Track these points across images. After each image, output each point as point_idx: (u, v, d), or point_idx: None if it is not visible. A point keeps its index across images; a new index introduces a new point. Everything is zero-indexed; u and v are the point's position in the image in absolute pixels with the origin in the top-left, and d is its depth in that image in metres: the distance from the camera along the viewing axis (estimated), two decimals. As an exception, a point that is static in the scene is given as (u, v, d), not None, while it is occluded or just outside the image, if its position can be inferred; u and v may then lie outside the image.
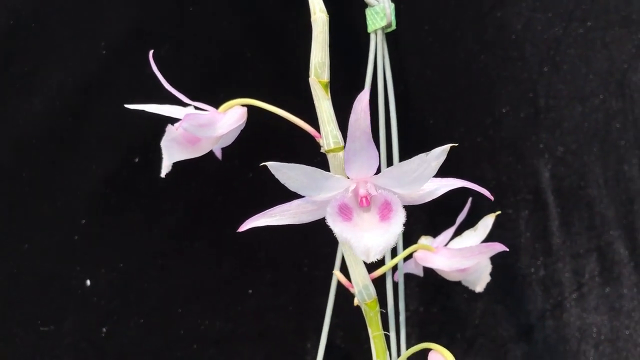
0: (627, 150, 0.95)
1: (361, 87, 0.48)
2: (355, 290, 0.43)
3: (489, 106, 0.85)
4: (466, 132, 0.84)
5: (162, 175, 0.42)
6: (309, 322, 0.72)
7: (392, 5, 0.46)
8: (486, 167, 0.86)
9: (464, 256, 0.46)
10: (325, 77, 0.40)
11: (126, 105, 0.40)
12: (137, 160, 0.67)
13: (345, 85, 0.43)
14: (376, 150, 0.32)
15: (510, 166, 0.87)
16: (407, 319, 0.82)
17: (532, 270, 0.88)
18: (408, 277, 0.79)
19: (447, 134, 0.83)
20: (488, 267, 0.49)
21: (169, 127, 0.40)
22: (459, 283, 0.73)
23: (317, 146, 0.41)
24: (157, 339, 0.68)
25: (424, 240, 0.51)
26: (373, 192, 0.33)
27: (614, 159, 0.94)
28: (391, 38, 0.76)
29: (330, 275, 0.74)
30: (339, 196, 0.33)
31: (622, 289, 0.94)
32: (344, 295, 0.75)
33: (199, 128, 0.39)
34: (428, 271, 0.81)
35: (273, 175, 0.75)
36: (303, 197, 0.35)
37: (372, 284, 0.43)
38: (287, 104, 0.42)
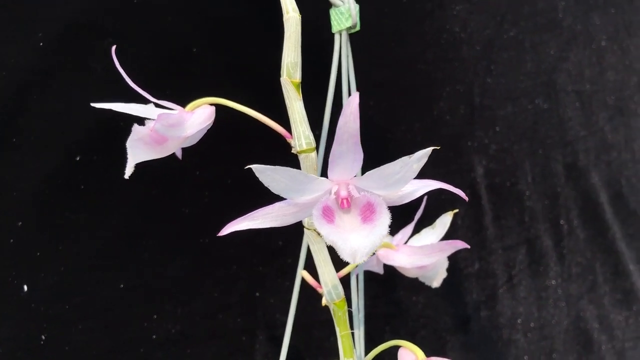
0: (552, 148, 1.00)
1: (325, 88, 0.49)
2: (324, 290, 0.43)
3: (429, 105, 0.87)
4: (407, 130, 0.86)
5: (126, 176, 0.40)
6: (259, 322, 0.72)
7: (357, 6, 0.46)
8: (426, 164, 0.88)
9: (425, 253, 0.47)
10: (298, 77, 0.40)
11: (93, 105, 0.38)
12: (78, 158, 0.64)
13: (308, 86, 0.43)
14: (362, 154, 0.32)
15: (448, 163, 0.90)
16: (350, 313, 0.83)
17: (468, 262, 0.91)
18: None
19: (389, 132, 0.84)
20: (445, 263, 0.51)
21: (135, 127, 0.39)
22: (402, 277, 0.75)
23: (288, 147, 0.41)
24: (101, 344, 0.65)
25: (388, 239, 0.51)
26: (356, 194, 0.33)
27: (541, 156, 0.99)
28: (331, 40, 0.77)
29: (281, 273, 0.74)
30: (323, 198, 0.33)
31: (548, 279, 0.99)
32: (288, 291, 0.75)
33: (168, 128, 0.38)
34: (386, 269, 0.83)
35: (219, 174, 0.74)
36: (280, 200, 0.34)
37: (340, 283, 0.43)
38: (259, 106, 0.41)
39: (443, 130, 0.89)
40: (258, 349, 0.71)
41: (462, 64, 0.89)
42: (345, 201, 0.34)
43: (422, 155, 0.33)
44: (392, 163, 0.33)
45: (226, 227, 0.34)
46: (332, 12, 0.47)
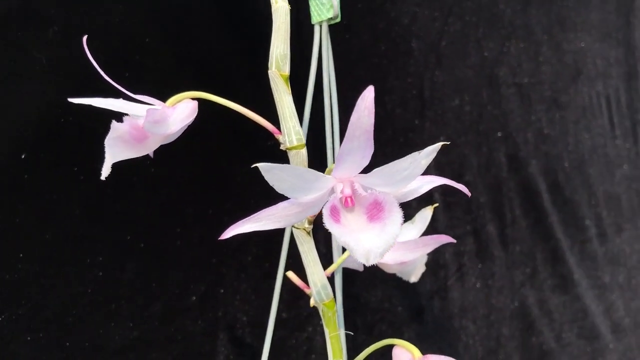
0: (495, 140, 1.03)
1: (305, 80, 0.47)
2: (312, 290, 0.42)
3: (381, 99, 0.87)
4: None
5: (102, 177, 0.37)
6: (220, 323, 0.69)
7: (338, -3, 0.45)
8: (378, 157, 0.88)
9: (409, 249, 0.46)
10: (287, 70, 0.38)
11: (70, 100, 0.35)
12: (23, 156, 0.60)
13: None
14: (372, 149, 0.31)
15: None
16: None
17: (421, 254, 0.92)
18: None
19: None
20: (424, 258, 0.50)
21: (114, 124, 0.36)
22: (358, 272, 0.74)
23: (277, 143, 0.39)
24: (54, 354, 0.61)
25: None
26: (362, 192, 0.32)
27: (485, 148, 1.01)
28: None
29: (240, 272, 0.72)
30: (331, 197, 0.32)
31: (494, 267, 1.02)
32: (249, 290, 0.73)
33: (153, 124, 0.35)
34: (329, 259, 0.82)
35: (174, 171, 0.71)
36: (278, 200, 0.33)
37: (329, 283, 0.42)
38: (244, 100, 0.39)
39: (395, 123, 0.89)
40: (220, 350, 0.69)
41: (413, 57, 0.90)
42: (349, 199, 0.32)
43: (431, 151, 0.32)
44: (401, 159, 0.32)
45: (228, 229, 0.32)
46: (312, 3, 0.45)
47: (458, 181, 1.04)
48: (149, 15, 0.63)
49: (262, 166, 0.29)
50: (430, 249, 0.47)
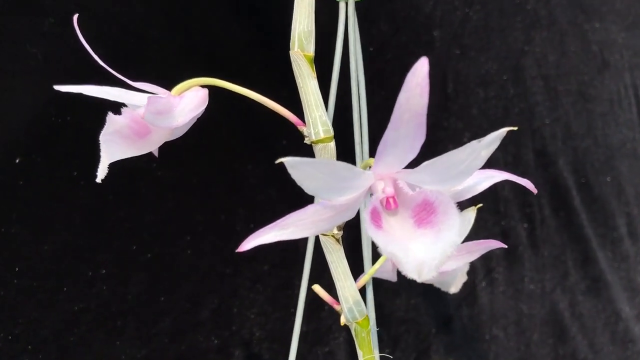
0: (522, 134, 0.97)
1: (330, 61, 0.41)
2: (344, 307, 0.36)
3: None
4: (382, 120, 0.80)
5: (98, 180, 0.32)
6: (233, 340, 0.64)
7: (363, -30, 0.39)
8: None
9: (453, 256, 0.40)
10: (311, 49, 0.32)
11: (56, 87, 0.29)
12: (17, 161, 0.54)
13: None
14: (424, 137, 0.25)
15: (422, 153, 0.84)
16: (335, 319, 0.76)
17: (447, 259, 0.87)
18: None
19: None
20: (466, 267, 0.45)
21: (111, 117, 0.30)
22: (381, 280, 0.68)
23: (300, 136, 0.34)
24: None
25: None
26: (408, 191, 0.26)
27: (512, 143, 0.96)
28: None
29: (255, 283, 0.66)
30: (372, 199, 0.26)
31: (523, 270, 0.96)
32: (266, 302, 0.67)
33: (156, 116, 0.30)
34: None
35: (183, 174, 0.65)
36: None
37: (362, 300, 0.36)
38: (265, 87, 0.34)
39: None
40: (235, 369, 0.64)
41: (435, 48, 0.84)
42: (391, 200, 0.27)
43: (494, 139, 0.26)
44: (457, 150, 0.26)
45: (248, 239, 0.26)
46: (335, -21, 0.39)
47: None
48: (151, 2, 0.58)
49: (288, 161, 0.24)
50: (476, 256, 0.41)
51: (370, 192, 0.27)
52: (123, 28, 0.57)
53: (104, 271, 0.58)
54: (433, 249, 0.25)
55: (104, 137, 0.30)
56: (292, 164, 0.24)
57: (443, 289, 0.46)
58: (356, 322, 0.36)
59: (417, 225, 0.26)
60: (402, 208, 0.27)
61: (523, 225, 0.96)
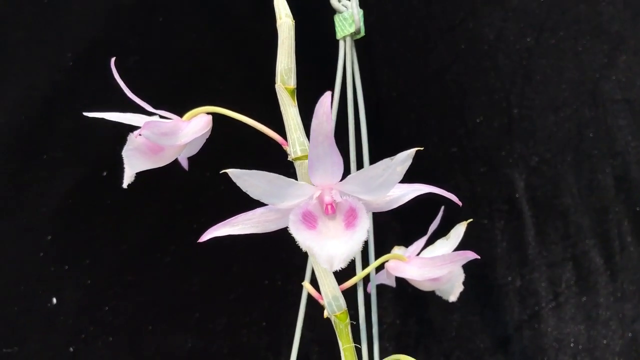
0: (600, 159, 0.95)
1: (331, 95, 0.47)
2: (324, 302, 0.42)
3: (462, 116, 0.85)
4: (440, 142, 0.84)
5: (124, 185, 0.40)
6: (282, 338, 0.70)
7: (361, 12, 0.45)
8: (460, 177, 0.85)
9: (436, 265, 0.45)
10: (292, 83, 0.39)
11: (85, 114, 0.39)
12: (105, 174, 0.66)
13: (316, 92, 0.42)
14: (340, 156, 0.31)
15: (484, 176, 0.86)
16: (383, 332, 0.81)
17: (509, 280, 0.87)
18: (384, 289, 0.79)
19: (420, 143, 0.82)
20: (461, 276, 0.48)
21: (131, 136, 0.39)
22: (434, 295, 0.72)
23: (285, 154, 0.40)
24: (126, 358, 0.66)
25: (397, 250, 0.50)
26: (338, 198, 0.32)
27: (587, 167, 0.94)
28: (363, 49, 0.76)
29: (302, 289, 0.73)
30: (303, 204, 0.32)
31: (598, 297, 0.94)
32: (319, 308, 0.73)
33: (161, 136, 0.38)
34: (404, 283, 0.80)
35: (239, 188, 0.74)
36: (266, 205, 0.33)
37: (342, 295, 0.42)
38: (257, 113, 0.41)
39: (478, 141, 0.86)
40: (284, 366, 0.70)
41: (498, 73, 0.87)
42: (330, 207, 0.33)
43: (405, 157, 0.31)
44: (374, 165, 0.31)
45: (206, 233, 0.33)
46: (336, 18, 0.46)
47: (552, 203, 0.98)
48: (215, 42, 0.67)
49: (232, 172, 0.30)
50: (457, 265, 0.45)
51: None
52: (190, 60, 0.67)
53: (170, 270, 0.67)
54: (344, 246, 0.30)
55: (126, 153, 0.39)
56: (236, 174, 0.31)
57: (444, 297, 0.50)
58: (335, 315, 0.42)
59: (345, 227, 0.32)
60: (338, 213, 0.33)
61: (599, 252, 0.94)
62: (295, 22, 0.40)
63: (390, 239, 0.72)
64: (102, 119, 0.66)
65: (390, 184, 0.32)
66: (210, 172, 0.66)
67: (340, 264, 0.30)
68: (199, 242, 0.70)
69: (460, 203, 0.34)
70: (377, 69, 0.79)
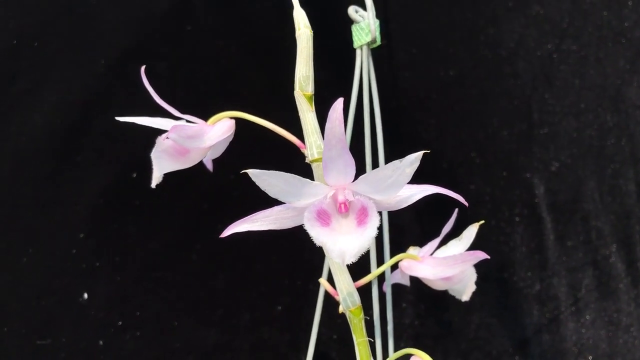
0: (622, 165, 0.95)
1: (347, 101, 0.50)
2: (339, 297, 0.44)
3: (482, 121, 0.86)
4: (460, 147, 0.85)
5: (153, 186, 0.43)
6: (303, 335, 0.72)
7: (377, 22, 0.47)
8: (480, 181, 0.86)
9: (448, 265, 0.47)
10: (310, 89, 0.41)
11: (117, 118, 0.42)
12: (135, 175, 0.69)
13: (334, 98, 0.44)
14: (352, 158, 0.33)
15: (504, 181, 0.88)
16: (402, 332, 0.82)
17: (528, 284, 0.88)
18: (403, 290, 0.80)
19: (440, 149, 0.84)
20: (473, 276, 0.50)
21: (159, 139, 0.42)
22: (453, 296, 0.73)
23: (303, 157, 0.43)
24: (153, 351, 0.69)
25: (412, 250, 0.52)
26: (350, 197, 0.34)
27: (609, 173, 0.95)
28: (385, 55, 0.78)
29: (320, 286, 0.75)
30: (317, 202, 0.34)
31: (619, 303, 0.94)
32: (332, 306, 0.76)
33: (187, 139, 0.41)
34: (421, 284, 0.82)
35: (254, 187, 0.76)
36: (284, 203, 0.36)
37: (356, 291, 0.44)
38: (278, 118, 0.43)
39: (498, 146, 0.87)
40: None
41: (519, 79, 0.88)
42: (343, 206, 0.35)
43: (413, 160, 0.33)
44: (383, 167, 0.33)
45: (227, 228, 0.36)
46: (353, 28, 0.48)
47: (572, 208, 0.98)
48: (241, 50, 0.70)
49: (252, 172, 0.33)
50: (468, 265, 0.47)
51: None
52: (217, 67, 0.70)
53: (196, 267, 0.70)
54: (355, 241, 0.33)
55: (155, 155, 0.42)
56: (254, 174, 0.33)
57: (457, 296, 0.52)
58: (349, 311, 0.44)
59: (357, 224, 0.34)
60: (351, 212, 0.35)
61: (621, 258, 0.94)
62: (315, 33, 0.42)
63: (409, 241, 0.74)
64: (133, 124, 0.70)
65: (399, 184, 0.34)
66: (234, 174, 0.68)
67: (351, 258, 0.32)
68: (223, 240, 0.73)
69: (466, 204, 0.36)
70: (398, 75, 0.81)
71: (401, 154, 0.61)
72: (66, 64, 0.67)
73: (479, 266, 0.83)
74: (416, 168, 0.33)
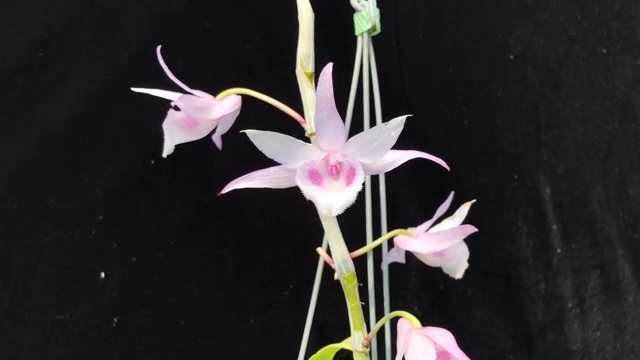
0: (630, 170, 0.97)
1: (349, 86, 0.53)
2: (335, 264, 0.47)
3: (490, 123, 0.88)
4: (467, 146, 0.87)
5: (164, 155, 0.47)
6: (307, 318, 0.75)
7: (377, 10, 0.51)
8: (487, 181, 0.89)
9: (440, 239, 0.49)
10: (310, 68, 0.45)
11: (132, 89, 0.45)
12: (152, 162, 0.73)
13: (335, 79, 0.48)
14: (341, 121, 0.36)
15: (511, 181, 0.90)
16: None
17: (533, 283, 0.90)
18: (408, 283, 0.82)
19: (447, 147, 0.86)
20: (466, 254, 0.52)
21: (171, 111, 0.45)
22: (457, 289, 0.76)
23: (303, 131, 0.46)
24: (163, 331, 0.72)
25: (409, 230, 0.54)
26: (340, 158, 0.37)
27: (616, 178, 0.96)
28: (394, 56, 0.81)
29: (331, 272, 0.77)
30: (310, 162, 0.37)
31: (626, 307, 0.94)
32: (337, 294, 0.78)
33: (195, 110, 0.44)
34: (428, 279, 0.84)
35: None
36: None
37: (351, 259, 0.46)
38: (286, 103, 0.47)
39: (505, 147, 0.89)
40: (310, 344, 0.75)
41: (526, 83, 0.90)
42: (334, 168, 0.38)
43: (397, 123, 0.36)
44: (370, 129, 0.36)
45: (228, 185, 0.39)
46: (355, 16, 0.52)
47: (581, 211, 1.00)
48: (255, 45, 0.74)
49: (250, 132, 0.36)
50: (459, 239, 0.49)
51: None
52: (232, 62, 0.74)
53: (206, 250, 0.74)
54: (342, 196, 0.35)
55: (166, 125, 0.46)
56: (253, 134, 0.37)
57: (450, 274, 0.54)
58: (344, 276, 0.46)
59: (346, 184, 0.37)
60: (342, 173, 0.38)
61: (628, 261, 0.95)
62: (319, 20, 0.46)
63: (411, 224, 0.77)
64: (152, 114, 0.73)
65: (385, 147, 0.37)
66: (248, 163, 0.71)
67: (337, 211, 0.35)
68: (234, 224, 0.75)
69: (448, 168, 0.39)
70: (406, 75, 0.84)
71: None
72: (91, 55, 0.72)
73: (483, 261, 0.85)
74: (400, 132, 0.36)
